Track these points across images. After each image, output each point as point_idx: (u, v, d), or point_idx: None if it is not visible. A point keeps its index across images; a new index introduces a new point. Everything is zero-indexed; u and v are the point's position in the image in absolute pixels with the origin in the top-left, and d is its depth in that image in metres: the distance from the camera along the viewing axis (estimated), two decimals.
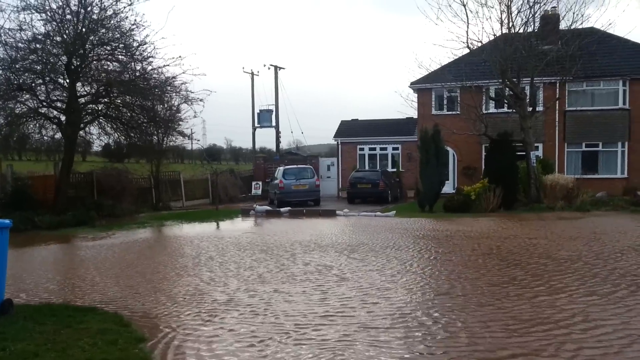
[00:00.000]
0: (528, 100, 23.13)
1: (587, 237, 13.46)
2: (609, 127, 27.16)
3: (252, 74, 42.82)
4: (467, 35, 22.73)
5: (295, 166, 29.12)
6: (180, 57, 21.35)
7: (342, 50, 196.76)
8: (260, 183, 26.53)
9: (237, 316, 6.99)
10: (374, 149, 32.48)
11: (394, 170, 31.05)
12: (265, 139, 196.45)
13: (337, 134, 33.40)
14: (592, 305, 7.16)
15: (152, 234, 16.99)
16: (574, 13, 22.57)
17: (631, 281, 8.43)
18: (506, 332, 6.13)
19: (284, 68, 42.78)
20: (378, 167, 30.90)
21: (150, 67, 21.33)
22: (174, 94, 22.34)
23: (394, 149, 32.06)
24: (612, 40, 27.56)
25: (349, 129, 33.55)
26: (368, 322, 6.57)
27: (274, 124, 41.59)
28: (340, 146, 33.08)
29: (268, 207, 23.43)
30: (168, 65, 21.62)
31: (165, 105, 23.03)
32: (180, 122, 24.44)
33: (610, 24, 23.12)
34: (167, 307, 7.53)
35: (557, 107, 27.23)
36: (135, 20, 20.57)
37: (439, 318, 6.70)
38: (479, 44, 23.36)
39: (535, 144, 24.95)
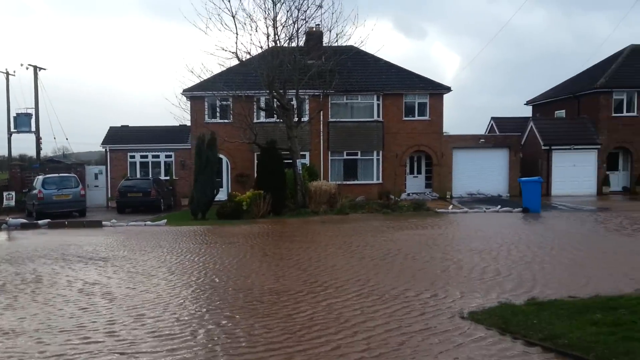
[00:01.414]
0: (295, 111, 24.44)
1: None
2: (367, 137, 29.95)
3: (7, 73, 38.61)
4: (237, 46, 23.25)
5: (57, 175, 26.97)
6: None
7: (116, 56, 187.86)
8: (13, 193, 24.03)
9: None
10: (146, 156, 31.44)
11: (167, 178, 30.44)
12: (25, 145, 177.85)
13: (106, 141, 31.65)
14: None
15: None
16: (330, 31, 24.25)
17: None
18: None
19: (45, 69, 39.39)
20: (150, 176, 29.99)
21: None
22: None
23: (167, 156, 31.39)
24: (368, 58, 30.68)
25: (119, 136, 32.02)
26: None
27: (33, 129, 37.95)
28: (109, 153, 31.37)
29: (24, 220, 21.31)
30: None
31: None
32: None
33: (362, 42, 25.38)
34: None
35: (321, 118, 29.23)
36: None
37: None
38: (248, 56, 24.03)
39: (302, 152, 26.46)
